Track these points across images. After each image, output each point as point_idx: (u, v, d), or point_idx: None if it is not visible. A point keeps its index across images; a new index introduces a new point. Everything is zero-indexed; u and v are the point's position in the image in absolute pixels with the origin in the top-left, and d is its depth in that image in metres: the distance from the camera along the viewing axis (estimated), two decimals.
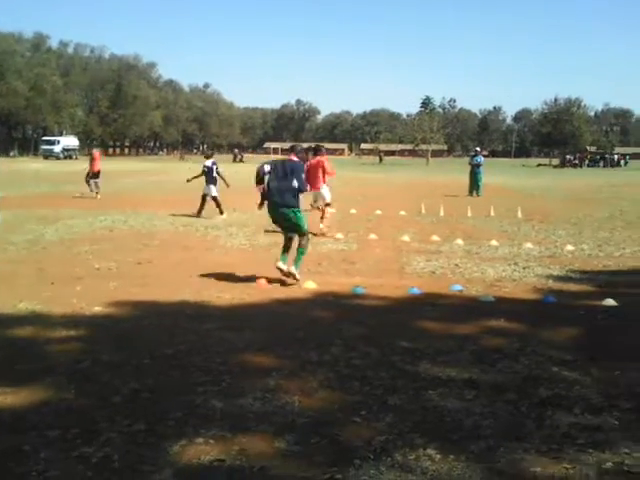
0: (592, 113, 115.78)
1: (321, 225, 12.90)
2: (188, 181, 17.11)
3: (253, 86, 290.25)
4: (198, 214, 15.69)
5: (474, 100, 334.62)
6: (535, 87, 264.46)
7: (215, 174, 15.96)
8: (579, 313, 6.93)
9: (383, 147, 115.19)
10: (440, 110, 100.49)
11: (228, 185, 16.44)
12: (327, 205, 13.35)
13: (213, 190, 15.87)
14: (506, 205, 19.09)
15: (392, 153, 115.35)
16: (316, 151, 13.31)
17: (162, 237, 12.41)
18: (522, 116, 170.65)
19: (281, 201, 8.06)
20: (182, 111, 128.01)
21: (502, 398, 4.43)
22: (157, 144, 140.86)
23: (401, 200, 18.63)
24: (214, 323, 6.29)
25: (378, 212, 17.56)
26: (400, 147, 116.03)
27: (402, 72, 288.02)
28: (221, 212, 15.75)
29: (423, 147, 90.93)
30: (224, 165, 19.84)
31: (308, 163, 12.45)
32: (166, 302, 7.13)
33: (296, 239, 8.31)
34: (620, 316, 6.82)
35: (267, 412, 4.14)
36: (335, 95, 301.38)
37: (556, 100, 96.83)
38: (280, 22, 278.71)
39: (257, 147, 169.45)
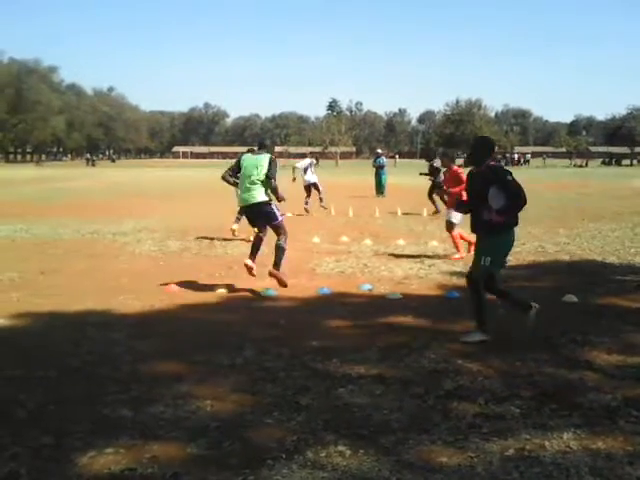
0: (492, 114, 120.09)
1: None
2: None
3: (160, 90, 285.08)
4: None
5: (380, 103, 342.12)
6: (438, 89, 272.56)
7: None
8: None
9: (293, 150, 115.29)
10: (347, 113, 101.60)
11: None
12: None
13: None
14: (412, 205, 19.57)
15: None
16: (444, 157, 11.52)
17: (67, 245, 12.02)
18: (426, 118, 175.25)
19: None
20: (86, 115, 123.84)
21: (409, 392, 4.57)
22: (60, 149, 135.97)
23: (312, 201, 18.70)
24: (122, 332, 6.17)
25: (289, 214, 17.61)
26: (310, 150, 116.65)
27: (309, 76, 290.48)
28: None
29: (332, 149, 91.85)
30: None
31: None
32: (72, 312, 6.93)
33: None
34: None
35: (179, 418, 4.11)
36: (243, 98, 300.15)
37: (457, 102, 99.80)
38: (184, 24, 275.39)
39: (166, 151, 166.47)
